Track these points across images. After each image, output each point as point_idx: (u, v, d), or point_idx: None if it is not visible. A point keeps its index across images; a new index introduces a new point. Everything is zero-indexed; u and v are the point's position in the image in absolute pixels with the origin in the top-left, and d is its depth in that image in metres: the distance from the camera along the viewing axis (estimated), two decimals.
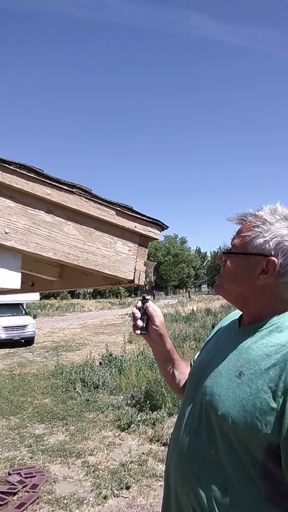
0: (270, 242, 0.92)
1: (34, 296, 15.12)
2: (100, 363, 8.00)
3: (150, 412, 5.11)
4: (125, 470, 3.77)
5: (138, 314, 1.15)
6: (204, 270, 78.34)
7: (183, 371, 1.21)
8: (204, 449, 0.91)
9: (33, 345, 12.83)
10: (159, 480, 3.54)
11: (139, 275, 1.22)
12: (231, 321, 1.11)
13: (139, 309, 1.15)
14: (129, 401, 5.76)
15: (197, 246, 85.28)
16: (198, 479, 0.90)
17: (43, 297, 37.05)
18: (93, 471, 3.79)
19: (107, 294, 54.23)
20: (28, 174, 0.96)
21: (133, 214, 1.18)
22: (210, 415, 0.91)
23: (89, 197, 1.08)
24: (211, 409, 0.91)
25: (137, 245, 1.22)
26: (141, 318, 1.14)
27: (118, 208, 1.15)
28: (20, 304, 14.10)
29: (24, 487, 3.47)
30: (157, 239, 1.26)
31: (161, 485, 3.42)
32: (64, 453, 4.21)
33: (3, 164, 0.92)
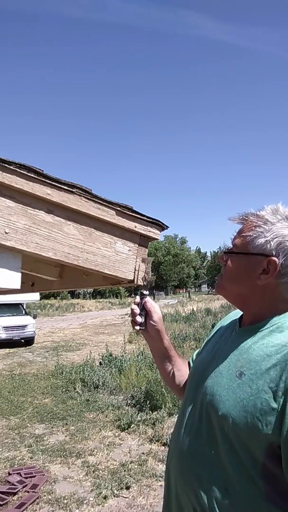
0: (271, 242, 0.92)
1: (34, 296, 15.12)
2: (100, 363, 8.00)
3: (150, 412, 5.11)
4: (125, 470, 3.77)
5: (137, 310, 1.14)
6: (204, 270, 78.31)
7: (180, 368, 1.20)
8: (205, 449, 0.91)
9: (33, 345, 12.83)
10: (159, 480, 3.54)
11: (139, 275, 1.21)
12: (231, 321, 1.11)
13: (137, 304, 1.15)
14: (129, 401, 5.76)
15: (197, 246, 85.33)
16: (198, 479, 0.90)
17: (43, 297, 37.04)
18: (93, 471, 3.79)
19: (107, 294, 54.22)
20: (28, 174, 0.96)
21: (133, 214, 1.18)
22: (211, 415, 0.91)
23: (89, 197, 1.08)
24: (212, 409, 0.91)
25: (137, 245, 1.22)
26: (139, 314, 1.14)
27: (118, 208, 1.15)
28: (20, 304, 14.10)
29: (24, 487, 3.47)
30: (157, 239, 1.26)
31: (161, 485, 3.42)
32: (64, 453, 4.21)
33: (3, 164, 0.92)
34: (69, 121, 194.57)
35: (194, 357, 1.23)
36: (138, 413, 5.15)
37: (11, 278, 0.99)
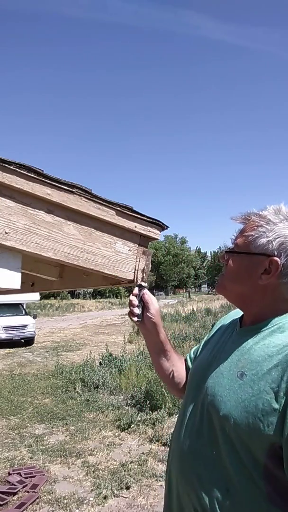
0: (273, 242, 0.92)
1: (34, 296, 15.12)
2: (100, 363, 8.00)
3: (150, 412, 5.11)
4: (125, 470, 3.77)
5: (136, 301, 1.13)
6: (204, 270, 78.33)
7: (175, 364, 1.20)
8: (206, 450, 0.91)
9: (33, 345, 12.83)
10: (159, 480, 3.54)
11: (139, 274, 1.21)
12: (232, 320, 1.10)
13: (135, 296, 1.14)
14: (129, 401, 5.76)
15: (197, 246, 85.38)
16: (199, 479, 0.90)
17: (43, 297, 37.04)
18: (93, 471, 3.79)
19: (107, 294, 54.22)
20: (28, 174, 0.96)
21: (133, 214, 1.18)
22: (212, 416, 0.91)
23: (89, 197, 1.08)
24: (213, 409, 0.91)
25: (137, 245, 1.22)
26: (137, 306, 1.13)
27: (118, 208, 1.15)
28: (20, 304, 14.10)
29: (24, 487, 3.47)
30: (157, 239, 1.26)
31: (161, 485, 3.42)
32: (64, 453, 4.21)
33: (3, 164, 0.92)
34: (69, 121, 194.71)
35: (192, 355, 1.22)
36: (138, 413, 5.15)
37: (11, 278, 0.99)
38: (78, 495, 3.35)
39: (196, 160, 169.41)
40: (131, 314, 1.14)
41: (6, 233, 0.95)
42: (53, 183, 1.01)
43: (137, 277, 1.20)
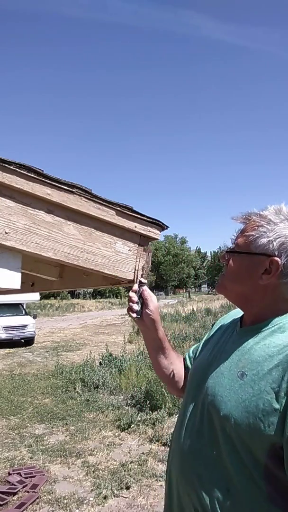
0: (274, 242, 0.92)
1: (34, 296, 15.12)
2: (100, 363, 8.00)
3: (150, 412, 5.11)
4: (125, 470, 3.77)
5: (135, 298, 1.13)
6: (204, 270, 78.33)
7: (173, 362, 1.20)
8: (206, 450, 0.91)
9: (33, 345, 12.83)
10: (159, 480, 3.54)
11: (139, 274, 1.21)
12: (232, 320, 1.10)
13: (135, 292, 1.14)
14: (129, 401, 5.76)
15: (197, 246, 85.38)
16: (200, 479, 0.89)
17: (43, 297, 37.04)
18: (93, 471, 3.79)
19: (107, 294, 54.22)
20: (28, 174, 0.96)
21: (133, 214, 1.18)
22: (212, 416, 0.91)
23: (89, 197, 1.08)
24: (213, 409, 0.91)
25: (137, 245, 1.22)
26: (136, 302, 1.13)
27: (118, 208, 1.15)
28: (20, 304, 14.10)
29: (24, 487, 3.47)
30: (157, 239, 1.25)
31: (161, 485, 3.42)
32: (64, 453, 4.21)
33: (3, 164, 0.92)
34: (69, 121, 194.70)
35: (191, 354, 1.22)
36: (138, 413, 5.15)
37: (11, 278, 0.99)
38: (78, 495, 3.35)
39: (196, 160, 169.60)
40: (130, 310, 1.14)
41: (6, 233, 0.95)
42: (53, 183, 1.01)
43: (137, 277, 1.20)
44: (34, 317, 13.88)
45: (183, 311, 20.62)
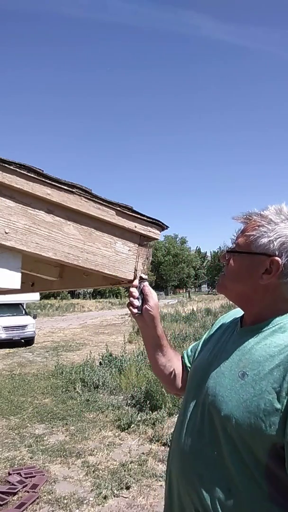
0: (274, 242, 0.92)
1: (34, 296, 15.12)
2: (100, 363, 7.99)
3: (150, 412, 5.10)
4: (125, 470, 3.77)
5: (136, 293, 1.13)
6: (204, 270, 78.31)
7: (171, 359, 1.19)
8: (207, 450, 0.91)
9: (33, 345, 12.83)
10: (159, 480, 3.54)
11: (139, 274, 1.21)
12: (232, 319, 1.10)
13: (135, 288, 1.14)
14: (129, 401, 5.76)
15: (197, 246, 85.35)
16: (200, 479, 0.89)
17: (43, 297, 37.04)
18: (93, 471, 3.79)
19: (107, 294, 54.21)
20: (28, 174, 0.96)
21: (133, 214, 1.18)
22: (213, 416, 0.91)
23: (89, 197, 1.08)
24: (214, 410, 0.91)
25: (137, 245, 1.22)
26: (137, 298, 1.13)
27: (118, 208, 1.14)
28: (20, 304, 14.09)
29: (24, 487, 3.47)
30: (157, 239, 1.25)
31: (161, 485, 3.42)
32: (64, 453, 4.21)
33: (3, 164, 0.91)
34: (69, 121, 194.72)
35: (190, 352, 1.22)
36: (138, 413, 5.15)
37: (11, 278, 0.99)
38: (78, 495, 3.35)
39: (196, 160, 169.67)
40: (130, 305, 1.14)
41: (6, 233, 0.95)
42: (53, 183, 1.00)
43: (137, 276, 1.20)
44: (34, 317, 13.88)
45: (183, 311, 20.62)
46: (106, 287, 1.46)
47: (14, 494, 3.36)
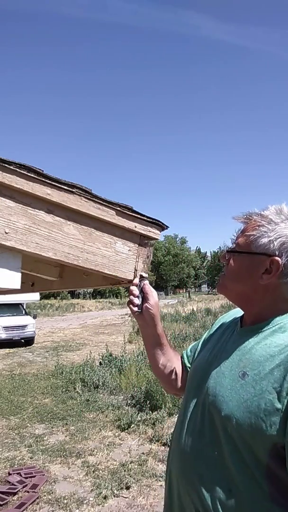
0: (274, 242, 0.92)
1: (34, 296, 15.12)
2: (100, 363, 7.99)
3: (150, 412, 5.10)
4: (125, 470, 3.77)
5: (136, 291, 1.13)
6: (204, 270, 78.31)
7: (170, 359, 1.19)
8: (208, 450, 0.90)
9: (33, 345, 12.83)
10: (159, 480, 3.54)
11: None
12: (232, 319, 1.10)
13: (136, 286, 1.14)
14: (129, 401, 5.76)
15: (197, 246, 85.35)
16: (201, 479, 0.89)
17: (43, 297, 37.03)
18: (93, 471, 3.79)
19: (107, 294, 54.20)
20: (28, 174, 0.96)
21: (133, 214, 1.18)
22: (214, 416, 0.91)
23: (89, 197, 1.08)
24: (215, 410, 0.91)
25: (137, 245, 1.22)
26: (137, 296, 1.13)
27: (118, 208, 1.14)
28: (20, 304, 14.09)
29: (24, 487, 3.47)
30: (157, 239, 1.25)
31: (161, 485, 3.42)
32: (64, 453, 4.21)
33: (3, 164, 0.92)
34: (69, 121, 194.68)
35: (189, 352, 1.22)
36: (138, 413, 5.15)
37: (11, 278, 0.99)
38: (78, 495, 3.35)
39: (196, 160, 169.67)
40: (131, 303, 1.13)
41: (6, 233, 0.95)
42: (53, 183, 1.00)
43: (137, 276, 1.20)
44: (34, 317, 13.88)
45: (183, 311, 20.62)
46: (106, 287, 1.46)
47: (14, 494, 3.36)
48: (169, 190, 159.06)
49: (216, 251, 60.30)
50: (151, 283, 1.18)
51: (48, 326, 18.75)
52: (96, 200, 1.09)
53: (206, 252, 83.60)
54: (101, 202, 1.11)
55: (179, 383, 1.19)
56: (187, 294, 53.67)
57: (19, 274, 1.00)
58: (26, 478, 3.63)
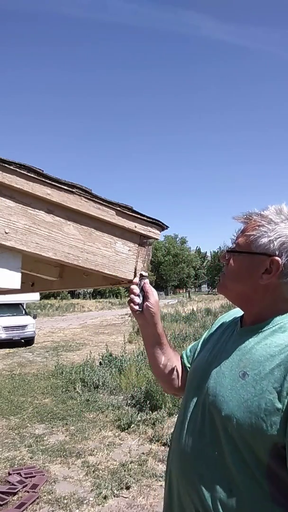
0: (274, 242, 0.92)
1: (34, 296, 15.12)
2: (100, 363, 7.99)
3: (150, 412, 5.11)
4: (125, 470, 3.77)
5: (137, 290, 1.13)
6: (204, 270, 78.32)
7: (171, 359, 1.19)
8: (208, 450, 0.90)
9: (33, 345, 12.83)
10: (159, 480, 3.54)
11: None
12: (232, 319, 1.10)
13: (136, 285, 1.14)
14: (129, 401, 5.76)
15: (197, 246, 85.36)
16: (201, 479, 0.89)
17: (43, 297, 37.03)
18: (93, 471, 3.79)
19: (107, 294, 54.21)
20: (28, 174, 0.96)
21: (133, 214, 1.18)
22: (214, 416, 0.91)
23: (89, 197, 1.08)
24: (215, 410, 0.91)
25: (137, 245, 1.22)
26: (137, 295, 1.13)
27: (118, 208, 1.14)
28: (20, 304, 14.10)
29: (24, 487, 3.47)
30: (157, 239, 1.25)
31: (161, 485, 3.42)
32: (64, 453, 4.21)
33: (3, 164, 0.92)
34: (69, 121, 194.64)
35: (189, 352, 1.22)
36: (138, 413, 5.15)
37: (11, 278, 0.99)
38: (78, 495, 3.35)
39: (196, 160, 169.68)
40: (131, 302, 1.13)
41: (6, 233, 0.95)
42: (53, 183, 1.00)
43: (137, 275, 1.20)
44: (34, 317, 13.88)
45: (183, 311, 20.62)
46: (106, 287, 1.46)
47: (14, 494, 3.37)
48: (169, 190, 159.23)
49: (216, 251, 60.32)
50: (151, 283, 1.17)
51: (48, 326, 18.75)
52: (96, 200, 1.10)
53: (206, 252, 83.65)
54: (101, 202, 1.11)
55: (179, 383, 1.19)
56: (187, 294, 53.67)
57: (19, 274, 1.00)
58: (26, 478, 3.64)
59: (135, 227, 1.19)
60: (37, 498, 3.31)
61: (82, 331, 16.78)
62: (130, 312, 1.17)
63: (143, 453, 4.17)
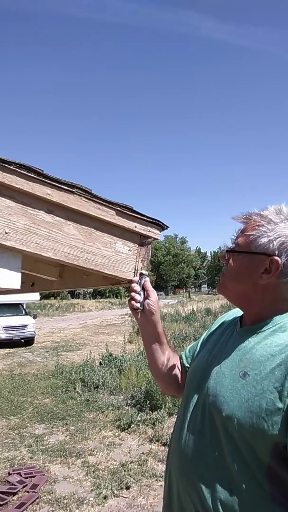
0: (274, 241, 0.92)
1: (34, 296, 15.12)
2: (100, 363, 7.99)
3: (150, 412, 5.11)
4: (125, 470, 3.77)
5: (138, 288, 1.13)
6: (204, 270, 78.32)
7: (170, 359, 1.19)
8: (208, 450, 0.90)
9: (33, 345, 12.83)
10: (159, 480, 3.54)
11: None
12: (232, 319, 1.10)
13: (136, 283, 1.14)
14: (129, 401, 5.76)
15: (197, 246, 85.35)
16: (201, 479, 0.89)
17: (43, 297, 37.03)
18: (93, 471, 3.79)
19: (107, 294, 54.20)
20: (28, 174, 0.96)
21: (133, 214, 1.18)
22: (214, 416, 0.91)
23: (89, 197, 1.08)
24: (215, 410, 0.90)
25: (137, 245, 1.22)
26: (138, 293, 1.13)
27: (118, 208, 1.14)
28: (20, 304, 14.09)
29: (24, 487, 3.47)
30: (157, 239, 1.25)
31: (161, 485, 3.42)
32: (64, 453, 4.21)
33: (3, 164, 0.92)
34: (69, 121, 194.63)
35: (188, 353, 1.21)
36: (138, 413, 5.15)
37: (11, 278, 0.99)
38: (78, 495, 3.35)
39: (196, 160, 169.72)
40: (132, 300, 1.13)
41: (6, 233, 0.95)
42: (53, 183, 1.00)
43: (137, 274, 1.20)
44: (34, 317, 13.88)
45: (183, 311, 20.61)
46: (106, 287, 1.46)
47: (14, 494, 3.36)
48: (169, 190, 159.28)
49: (216, 251, 60.32)
50: (151, 283, 1.17)
51: (48, 326, 18.75)
52: (96, 200, 1.10)
53: (206, 252, 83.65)
54: (101, 202, 1.11)
55: (178, 384, 1.19)
56: (187, 294, 53.67)
57: (19, 274, 1.00)
58: (26, 478, 3.63)
59: (135, 227, 1.19)
60: (37, 498, 3.31)
61: (82, 331, 16.78)
62: (130, 312, 1.17)
63: (143, 453, 4.17)
